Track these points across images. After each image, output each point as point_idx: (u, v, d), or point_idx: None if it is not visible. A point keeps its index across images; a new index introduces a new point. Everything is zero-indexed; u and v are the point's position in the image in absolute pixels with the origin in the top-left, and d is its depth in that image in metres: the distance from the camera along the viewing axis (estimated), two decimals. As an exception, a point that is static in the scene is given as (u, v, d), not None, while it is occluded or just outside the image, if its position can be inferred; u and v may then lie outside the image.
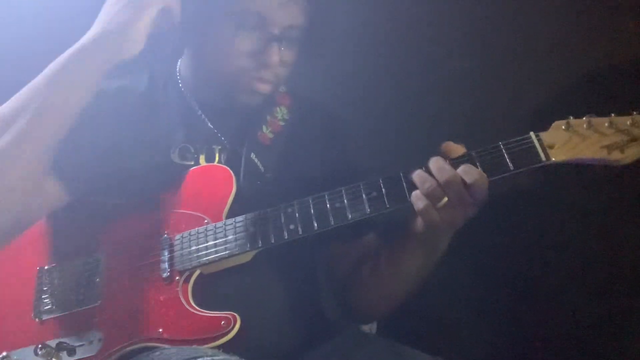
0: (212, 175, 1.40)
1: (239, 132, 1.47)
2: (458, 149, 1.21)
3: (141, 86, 1.50)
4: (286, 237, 1.26)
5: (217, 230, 1.31)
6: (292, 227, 1.27)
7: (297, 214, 1.27)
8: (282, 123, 1.50)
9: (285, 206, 1.29)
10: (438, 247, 1.27)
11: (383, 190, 1.23)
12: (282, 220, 1.27)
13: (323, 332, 1.43)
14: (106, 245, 1.37)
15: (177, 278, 1.29)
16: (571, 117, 1.21)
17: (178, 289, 1.28)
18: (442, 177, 1.16)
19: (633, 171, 1.17)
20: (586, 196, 1.61)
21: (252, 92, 1.39)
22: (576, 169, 1.20)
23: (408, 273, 1.34)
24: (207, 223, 1.33)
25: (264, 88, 1.39)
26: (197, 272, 1.30)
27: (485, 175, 1.17)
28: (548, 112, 1.43)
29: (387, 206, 1.23)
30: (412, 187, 1.21)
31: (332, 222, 1.25)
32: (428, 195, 1.17)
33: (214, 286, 1.30)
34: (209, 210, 1.35)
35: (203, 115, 1.47)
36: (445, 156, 1.20)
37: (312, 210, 1.27)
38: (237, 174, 1.38)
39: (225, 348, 1.19)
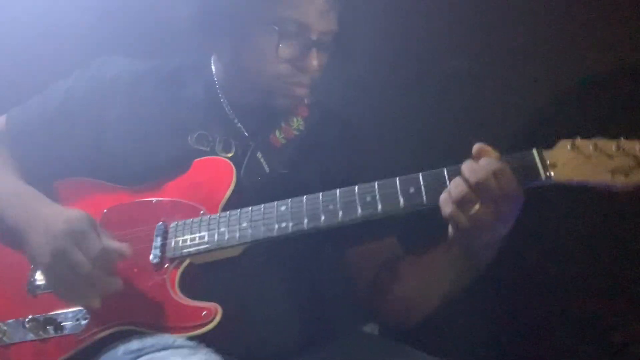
0: (213, 167, 1.40)
1: (260, 129, 1.48)
2: (489, 151, 1.16)
3: (170, 68, 1.54)
4: (275, 234, 1.25)
5: (211, 222, 1.31)
6: (283, 224, 1.26)
7: (290, 211, 1.26)
8: (296, 132, 1.51)
9: (280, 204, 1.28)
10: (471, 260, 1.22)
11: (378, 196, 1.21)
12: (275, 216, 1.27)
13: (324, 332, 1.42)
14: (103, 226, 1.38)
15: (166, 265, 1.30)
16: (578, 137, 1.17)
17: (166, 276, 1.28)
18: (474, 177, 1.10)
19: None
20: (586, 196, 1.58)
21: (290, 96, 1.43)
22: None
23: (435, 285, 1.31)
24: (203, 214, 1.33)
25: (302, 92, 1.43)
26: (187, 261, 1.30)
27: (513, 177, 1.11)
28: (557, 125, 1.38)
29: (379, 211, 1.21)
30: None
31: (322, 222, 1.23)
32: (458, 200, 1.12)
33: (203, 277, 1.31)
34: (207, 201, 1.35)
35: (233, 114, 1.49)
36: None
37: (304, 209, 1.25)
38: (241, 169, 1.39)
39: (208, 338, 1.20)
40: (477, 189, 1.11)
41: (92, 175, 1.49)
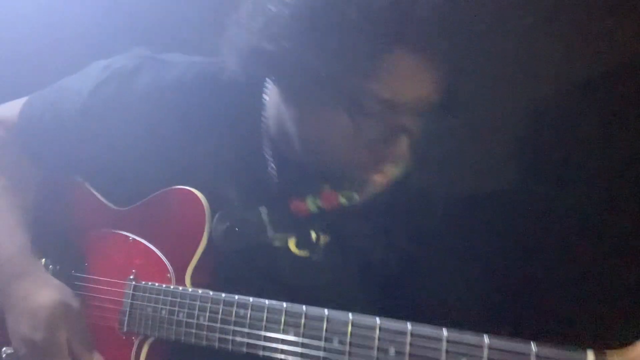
0: (189, 209, 1.09)
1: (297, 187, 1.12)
2: None
3: (223, 74, 1.08)
4: (230, 348, 0.96)
5: (173, 298, 1.05)
6: (237, 339, 0.95)
7: (247, 323, 0.94)
8: (343, 201, 1.09)
9: (240, 303, 0.96)
10: None
11: (348, 345, 0.82)
12: (232, 321, 0.96)
13: None
14: (87, 259, 1.22)
15: (132, 338, 1.11)
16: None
17: (132, 353, 1.10)
18: None
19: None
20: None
21: (366, 184, 1.09)
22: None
23: None
24: (169, 279, 1.08)
25: (381, 181, 1.07)
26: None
27: None
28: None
29: None
30: None
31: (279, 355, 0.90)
32: None
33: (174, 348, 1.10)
34: (176, 259, 1.09)
35: (275, 171, 1.11)
36: None
37: (263, 327, 0.92)
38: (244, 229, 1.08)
39: None
40: None
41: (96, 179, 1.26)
